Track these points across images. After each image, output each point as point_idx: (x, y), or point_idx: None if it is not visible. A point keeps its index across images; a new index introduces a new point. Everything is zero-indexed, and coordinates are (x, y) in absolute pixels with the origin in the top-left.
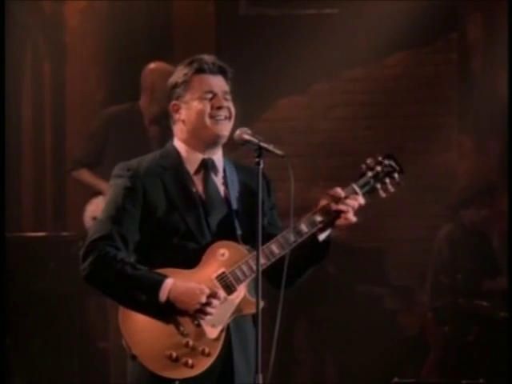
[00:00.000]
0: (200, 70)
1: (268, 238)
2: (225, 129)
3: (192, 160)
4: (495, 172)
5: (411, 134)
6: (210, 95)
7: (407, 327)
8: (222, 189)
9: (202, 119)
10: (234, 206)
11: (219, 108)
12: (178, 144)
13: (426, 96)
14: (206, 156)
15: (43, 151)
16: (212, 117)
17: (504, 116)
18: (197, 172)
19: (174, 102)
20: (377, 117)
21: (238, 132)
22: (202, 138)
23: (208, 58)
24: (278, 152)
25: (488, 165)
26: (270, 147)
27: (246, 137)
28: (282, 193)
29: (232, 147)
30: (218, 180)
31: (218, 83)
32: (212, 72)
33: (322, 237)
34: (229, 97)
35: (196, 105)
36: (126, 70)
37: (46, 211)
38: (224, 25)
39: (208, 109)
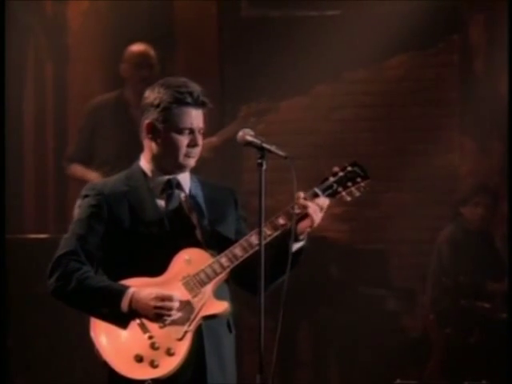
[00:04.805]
0: (183, 102)
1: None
2: (193, 162)
3: (157, 181)
4: (497, 173)
5: (413, 135)
6: (187, 131)
7: (409, 329)
8: (185, 204)
9: (175, 153)
10: (200, 220)
11: (194, 146)
12: (144, 164)
13: (427, 97)
14: (171, 176)
15: (45, 152)
16: (186, 154)
17: (505, 117)
18: (162, 192)
19: (149, 121)
20: (379, 118)
21: (240, 133)
22: (169, 166)
23: (193, 87)
24: (281, 153)
25: (490, 166)
26: (273, 148)
27: (249, 138)
28: (285, 195)
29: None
30: (182, 196)
31: (197, 119)
32: (194, 105)
33: (293, 248)
34: (202, 131)
35: (173, 137)
36: None
37: (48, 213)
38: (226, 26)
39: (184, 145)
